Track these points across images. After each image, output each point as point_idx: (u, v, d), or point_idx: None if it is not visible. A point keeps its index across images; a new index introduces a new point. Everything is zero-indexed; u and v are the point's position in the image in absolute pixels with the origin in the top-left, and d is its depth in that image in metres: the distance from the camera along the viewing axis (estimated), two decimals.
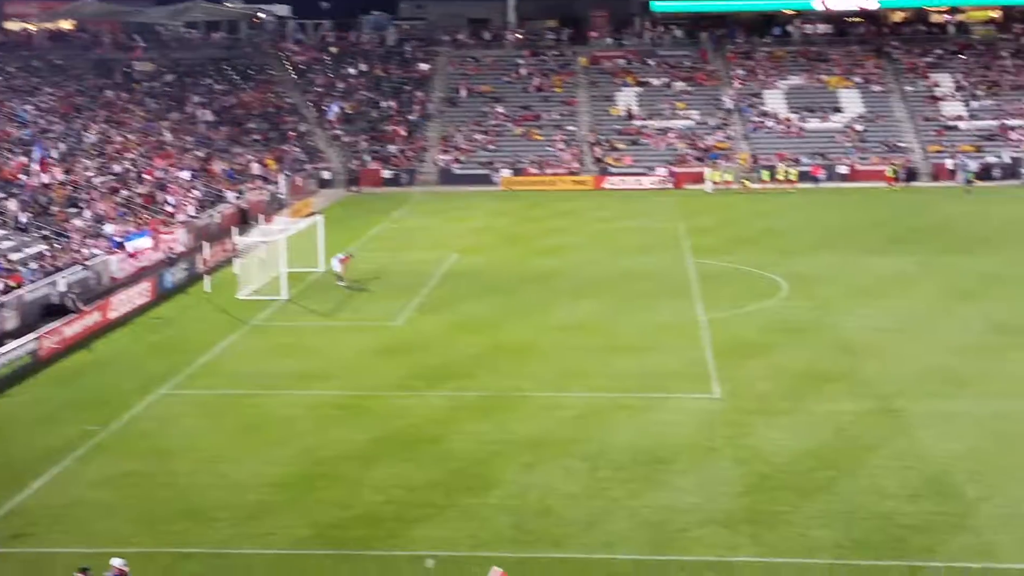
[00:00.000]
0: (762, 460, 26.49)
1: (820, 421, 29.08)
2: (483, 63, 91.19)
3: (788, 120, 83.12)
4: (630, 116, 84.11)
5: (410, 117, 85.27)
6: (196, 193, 61.40)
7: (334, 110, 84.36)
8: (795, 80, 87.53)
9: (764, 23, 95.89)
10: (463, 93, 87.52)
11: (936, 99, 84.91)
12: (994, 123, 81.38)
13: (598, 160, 79.38)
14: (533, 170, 78.27)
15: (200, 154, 70.89)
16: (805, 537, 22.49)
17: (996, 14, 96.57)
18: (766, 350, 35.74)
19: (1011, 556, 21.50)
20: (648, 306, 42.11)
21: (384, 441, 28.36)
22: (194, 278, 47.80)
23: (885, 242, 54.36)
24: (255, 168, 71.83)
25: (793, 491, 24.64)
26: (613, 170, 78.15)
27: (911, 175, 76.43)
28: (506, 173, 77.88)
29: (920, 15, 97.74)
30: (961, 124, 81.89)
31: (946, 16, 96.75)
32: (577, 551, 22.16)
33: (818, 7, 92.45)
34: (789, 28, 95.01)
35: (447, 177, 78.55)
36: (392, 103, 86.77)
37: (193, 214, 57.74)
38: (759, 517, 23.41)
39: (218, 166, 69.16)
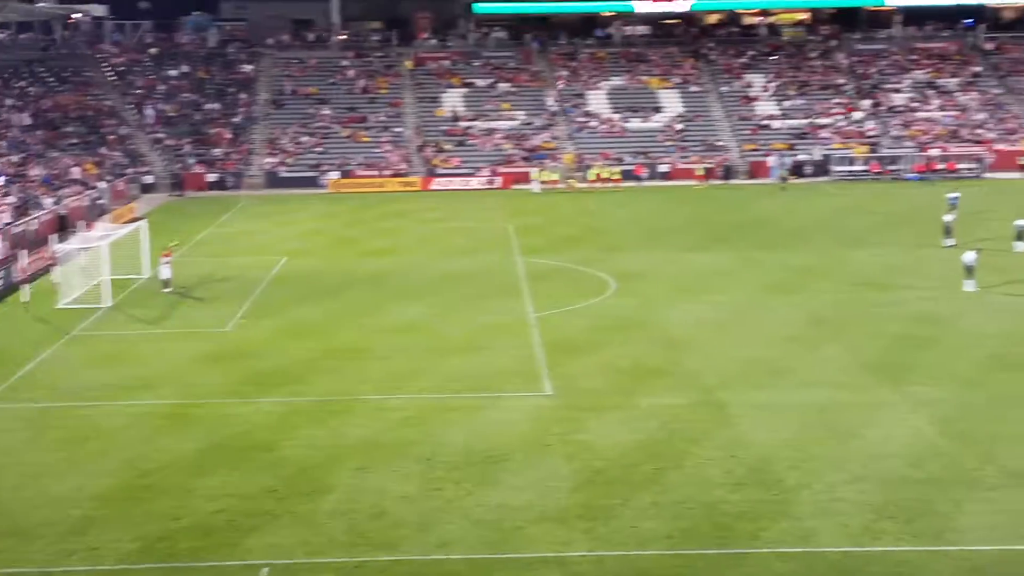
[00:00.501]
0: (593, 455, 27.01)
1: (648, 415, 29.79)
2: (308, 64, 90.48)
3: (611, 120, 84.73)
4: (456, 117, 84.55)
5: (235, 120, 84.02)
6: (11, 199, 59.26)
7: (149, 113, 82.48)
8: (617, 81, 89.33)
9: (586, 25, 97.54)
10: (288, 94, 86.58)
11: (750, 99, 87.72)
12: (804, 121, 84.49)
13: (426, 161, 79.53)
14: (361, 172, 77.99)
15: (15, 159, 68.46)
16: (636, 529, 23.03)
17: (805, 16, 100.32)
18: (595, 347, 36.42)
19: (829, 541, 22.42)
20: (479, 306, 42.45)
21: (214, 450, 27.95)
22: (11, 288, 46.18)
23: (706, 239, 55.92)
24: (74, 173, 69.72)
25: (624, 485, 25.21)
26: (441, 171, 78.43)
27: (728, 173, 78.75)
28: (334, 175, 77.44)
29: (733, 17, 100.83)
30: (774, 123, 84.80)
31: (758, 18, 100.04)
32: (412, 553, 22.25)
33: (638, 10, 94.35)
34: (610, 30, 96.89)
35: (274, 180, 77.68)
36: (216, 105, 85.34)
37: (8, 221, 55.72)
38: (592, 512, 23.88)
39: (35, 171, 66.91)
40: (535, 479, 25.67)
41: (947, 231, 51.85)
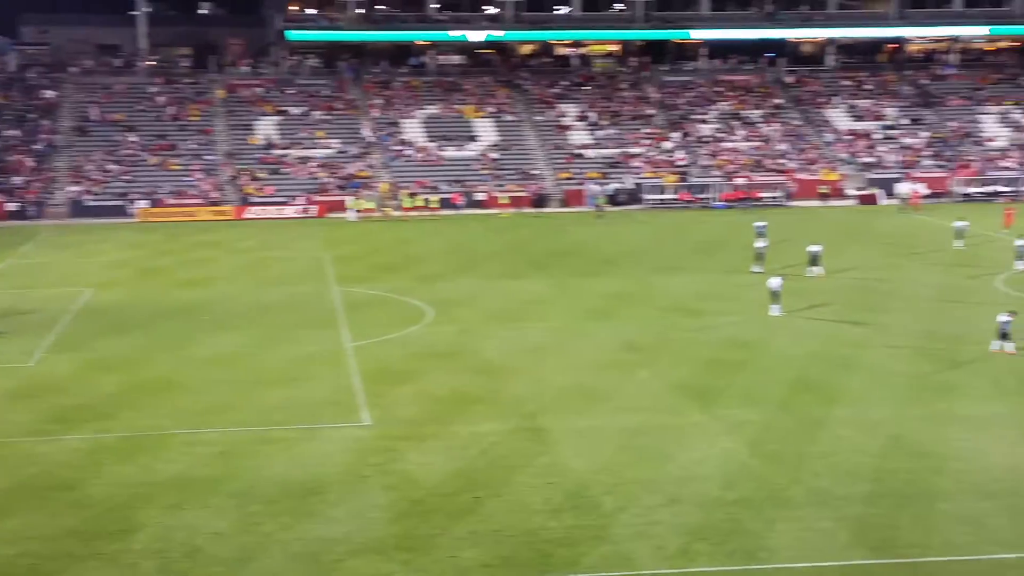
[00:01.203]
0: (412, 485, 26.79)
1: (467, 443, 29.73)
2: (114, 90, 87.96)
3: (426, 149, 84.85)
4: (270, 145, 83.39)
5: (36, 147, 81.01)
6: None
7: None
8: (432, 110, 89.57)
9: (400, 53, 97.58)
10: (93, 121, 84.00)
11: (564, 128, 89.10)
12: (617, 151, 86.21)
13: (239, 190, 78.16)
14: (171, 201, 76.15)
15: None
16: (456, 559, 22.90)
17: (615, 48, 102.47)
18: (413, 376, 36.23)
19: (646, 563, 22.71)
20: (294, 336, 41.79)
21: (15, 491, 26.70)
22: None
23: (523, 266, 56.39)
24: None
25: (443, 514, 25.06)
26: (254, 200, 77.17)
27: (542, 201, 79.70)
28: (143, 204, 75.36)
29: (546, 48, 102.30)
30: (587, 152, 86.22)
31: (570, 49, 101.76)
32: None
33: (453, 38, 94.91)
34: (424, 59, 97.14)
35: (79, 209, 75.11)
36: (16, 132, 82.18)
37: None
38: (411, 542, 23.66)
39: None
40: (353, 510, 25.31)
41: (758, 258, 53.44)
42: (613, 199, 79.32)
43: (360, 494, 26.36)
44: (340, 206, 75.81)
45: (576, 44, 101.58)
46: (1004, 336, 37.65)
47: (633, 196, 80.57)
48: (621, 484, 26.71)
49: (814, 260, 52.30)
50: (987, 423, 30.89)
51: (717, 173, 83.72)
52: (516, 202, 78.05)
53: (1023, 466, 27.45)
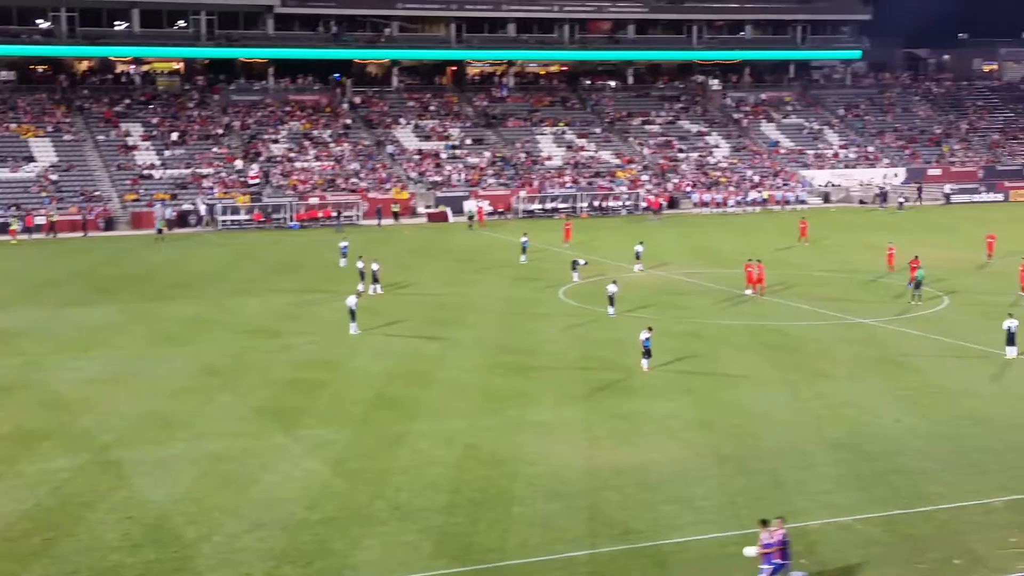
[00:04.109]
0: None
1: (35, 482, 27.97)
2: None
3: None
4: None
5: None
6: None
7: None
8: None
9: None
10: None
11: (129, 148, 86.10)
12: (187, 171, 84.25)
13: None
14: None
15: None
16: None
17: (179, 66, 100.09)
18: None
19: None
20: None
21: None
22: None
23: (89, 292, 53.93)
24: None
25: (12, 559, 23.43)
26: None
27: (109, 224, 76.65)
28: None
29: (106, 65, 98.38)
30: (155, 173, 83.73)
31: (132, 67, 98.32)
32: None
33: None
34: None
35: None
36: None
37: None
38: None
39: None
40: None
41: (362, 276, 53.20)
42: (183, 220, 77.44)
43: None
44: None
45: (137, 61, 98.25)
46: (646, 353, 38.49)
47: (205, 218, 78.97)
48: (203, 512, 26.03)
49: (375, 278, 53.03)
50: (556, 428, 32.58)
51: (291, 193, 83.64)
52: (81, 225, 74.53)
53: (591, 468, 29.14)
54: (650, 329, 39.11)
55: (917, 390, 36.47)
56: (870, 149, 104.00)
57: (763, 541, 21.52)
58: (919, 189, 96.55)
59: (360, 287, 51.18)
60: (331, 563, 23.48)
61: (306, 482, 28.14)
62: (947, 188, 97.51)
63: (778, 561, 21.47)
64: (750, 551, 21.63)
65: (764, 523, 21.83)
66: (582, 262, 57.22)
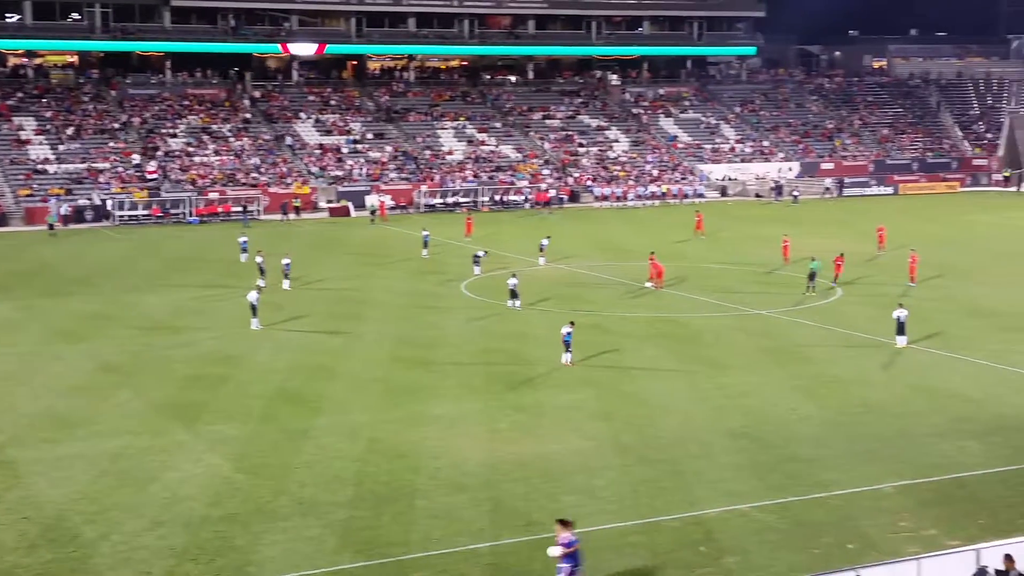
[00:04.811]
0: None
1: None
2: None
3: None
4: None
5: None
6: None
7: None
8: None
9: None
10: None
11: (23, 142, 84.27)
12: (82, 166, 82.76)
13: None
14: None
15: None
16: None
17: (74, 59, 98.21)
18: None
19: None
20: None
21: None
22: None
23: None
24: None
25: None
26: None
27: (2, 220, 75.09)
28: None
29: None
30: (49, 167, 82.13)
31: (24, 59, 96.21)
32: None
33: None
34: None
35: None
36: None
37: None
38: None
39: None
40: None
41: (261, 272, 52.74)
42: (79, 216, 76.08)
43: None
44: None
45: (29, 54, 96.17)
46: (566, 346, 38.53)
47: (101, 213, 77.68)
48: (102, 511, 25.71)
49: (285, 273, 52.72)
50: (459, 421, 32.74)
51: (190, 188, 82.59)
52: None
53: (493, 460, 29.35)
54: (572, 324, 39.25)
55: (812, 379, 37.34)
56: (765, 143, 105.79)
57: (562, 540, 20.93)
58: (840, 184, 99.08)
59: (261, 282, 50.68)
60: (233, 560, 23.38)
61: (208, 479, 27.95)
62: (827, 182, 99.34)
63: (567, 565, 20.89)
64: (553, 551, 21.00)
65: (563, 523, 21.27)
66: (481, 254, 57.43)
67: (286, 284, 52.55)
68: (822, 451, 30.12)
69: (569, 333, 38.67)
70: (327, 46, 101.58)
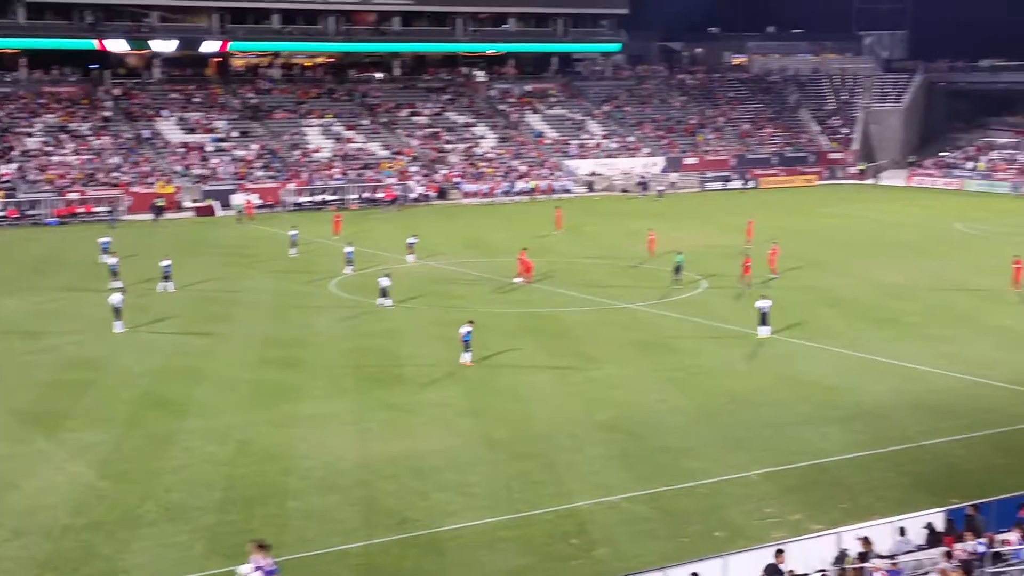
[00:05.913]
0: None
1: None
2: None
3: None
4: None
5: None
6: None
7: None
8: None
9: None
10: None
11: None
12: None
13: None
14: None
15: None
16: None
17: None
18: None
19: None
20: None
21: None
22: None
23: None
24: None
25: None
26: None
27: None
28: None
29: None
30: None
31: None
32: None
33: None
34: None
35: None
36: None
37: None
38: None
39: None
40: None
41: (114, 274, 51.50)
42: None
43: None
44: None
45: None
46: (466, 345, 38.24)
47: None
48: None
49: (166, 276, 51.54)
50: (329, 421, 32.53)
51: (48, 188, 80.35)
52: None
53: (364, 459, 29.24)
54: (471, 323, 39.04)
55: (679, 371, 38.02)
56: (631, 139, 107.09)
57: (256, 563, 20.14)
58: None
59: (115, 283, 49.51)
60: (99, 568, 22.90)
61: (70, 487, 27.29)
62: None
63: None
64: (243, 569, 20.24)
65: (261, 547, 20.39)
66: (349, 250, 56.91)
67: (171, 286, 51.16)
68: (690, 441, 30.69)
69: (468, 332, 38.51)
70: (225, 46, 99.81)
